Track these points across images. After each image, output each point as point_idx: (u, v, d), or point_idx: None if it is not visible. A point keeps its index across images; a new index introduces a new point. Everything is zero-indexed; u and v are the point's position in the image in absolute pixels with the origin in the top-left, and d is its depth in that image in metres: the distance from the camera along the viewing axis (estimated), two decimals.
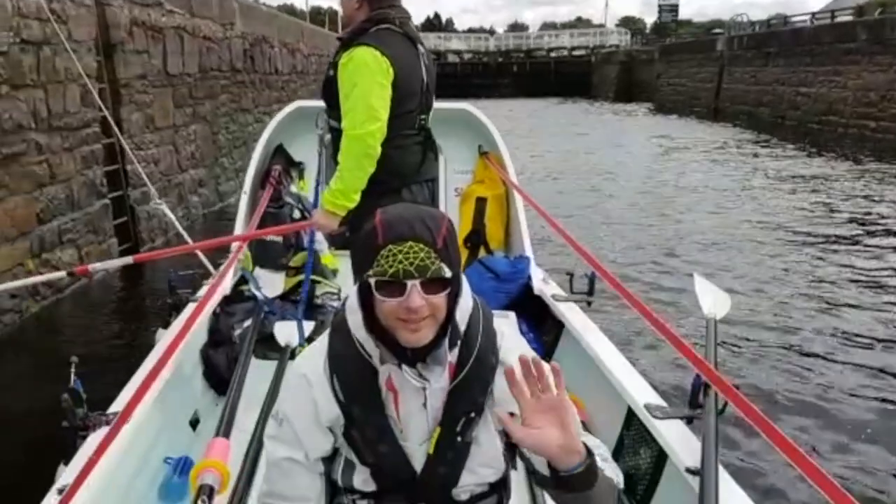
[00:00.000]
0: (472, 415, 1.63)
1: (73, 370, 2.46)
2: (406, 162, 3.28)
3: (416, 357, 1.56)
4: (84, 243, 7.45)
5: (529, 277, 4.47)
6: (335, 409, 1.63)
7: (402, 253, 1.46)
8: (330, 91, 3.23)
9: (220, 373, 3.67)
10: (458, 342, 1.60)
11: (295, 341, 3.80)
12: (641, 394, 2.82)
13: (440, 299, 1.51)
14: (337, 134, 3.21)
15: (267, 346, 3.95)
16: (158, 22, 9.86)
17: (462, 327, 1.60)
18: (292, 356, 3.66)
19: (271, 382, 3.31)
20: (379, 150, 3.07)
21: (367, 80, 3.02)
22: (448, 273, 1.49)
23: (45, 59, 6.87)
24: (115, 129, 7.15)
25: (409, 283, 1.46)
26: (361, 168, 3.08)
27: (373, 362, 1.60)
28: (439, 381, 1.60)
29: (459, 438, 1.63)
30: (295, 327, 3.97)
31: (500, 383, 1.63)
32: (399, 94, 3.12)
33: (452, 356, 1.60)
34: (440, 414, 1.62)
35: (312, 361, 1.68)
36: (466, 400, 1.62)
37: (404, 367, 1.56)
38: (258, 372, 3.52)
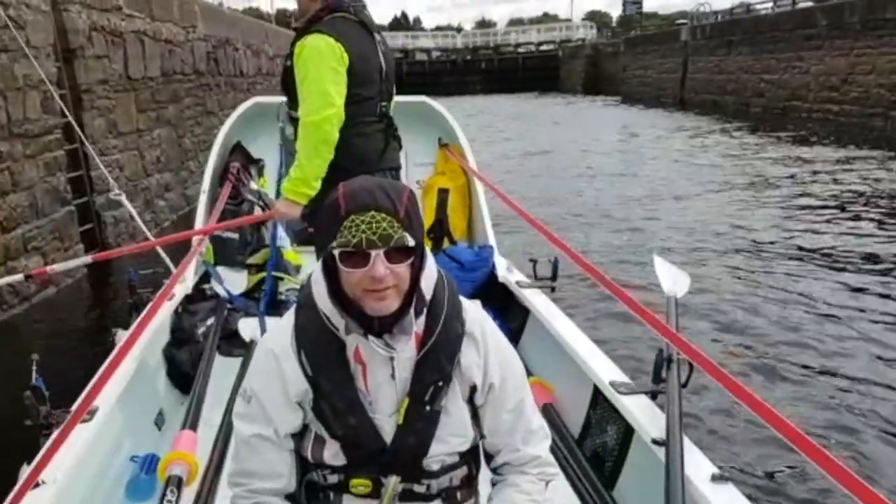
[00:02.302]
0: (440, 384, 1.64)
1: (34, 368, 2.43)
2: (368, 149, 3.28)
3: (382, 327, 1.57)
4: (50, 250, 7.36)
5: (494, 266, 4.51)
6: (303, 383, 1.62)
7: (365, 223, 1.46)
8: (288, 82, 3.23)
9: (184, 371, 3.65)
10: (424, 311, 1.61)
11: (259, 337, 3.78)
12: (606, 372, 2.86)
13: (404, 268, 1.52)
14: (297, 124, 3.20)
15: (231, 342, 3.95)
16: (118, 26, 9.75)
17: (427, 296, 1.61)
18: None
19: (236, 378, 3.30)
20: (336, 135, 3.07)
21: (321, 66, 3.03)
22: (411, 242, 1.50)
23: (4, 65, 6.78)
24: (80, 134, 7.07)
25: (373, 252, 1.47)
26: (319, 154, 3.08)
27: (339, 334, 1.60)
28: (406, 351, 1.61)
29: (428, 408, 1.64)
30: (258, 323, 3.96)
31: (466, 352, 1.67)
32: (356, 81, 3.12)
33: (419, 326, 1.61)
34: (409, 384, 1.63)
35: (279, 336, 1.68)
36: (434, 369, 1.63)
37: (371, 337, 1.57)
38: (223, 368, 3.52)
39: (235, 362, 3.58)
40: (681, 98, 32.54)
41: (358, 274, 1.49)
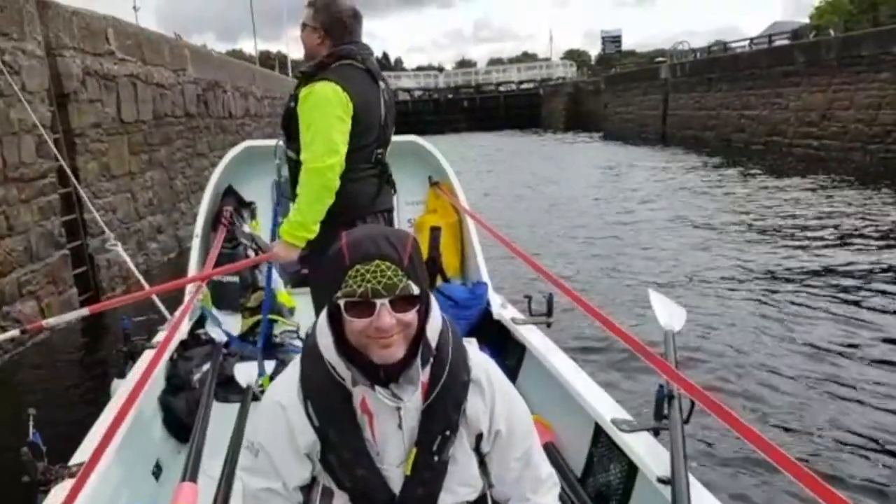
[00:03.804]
0: (448, 433, 1.63)
1: (31, 423, 2.39)
2: (361, 193, 3.31)
3: (388, 377, 1.56)
4: (44, 294, 7.34)
5: (488, 303, 4.50)
6: (311, 435, 1.62)
7: (370, 272, 1.47)
8: (289, 122, 3.27)
9: (180, 419, 3.60)
10: (430, 360, 1.60)
11: (256, 383, 3.76)
12: (607, 409, 2.82)
13: (410, 317, 1.52)
14: (295, 165, 3.24)
15: (228, 388, 3.91)
16: (111, 70, 9.84)
17: (433, 344, 1.60)
18: (254, 397, 3.63)
19: (235, 425, 3.26)
20: (337, 182, 3.10)
21: (328, 114, 3.06)
22: (416, 290, 1.50)
23: None
24: (73, 178, 7.09)
25: (378, 302, 1.47)
26: (320, 200, 3.11)
27: (346, 385, 1.59)
28: (413, 401, 1.59)
29: (436, 458, 1.63)
30: (255, 368, 3.92)
31: (472, 400, 1.66)
32: (357, 129, 3.16)
33: (424, 375, 1.60)
34: (416, 434, 1.62)
35: (285, 388, 1.66)
36: (441, 419, 1.62)
37: (377, 387, 1.55)
38: (221, 415, 3.46)
39: (233, 408, 3.54)
40: (663, 134, 32.95)
41: (363, 323, 1.49)
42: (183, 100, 13.12)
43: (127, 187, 10.16)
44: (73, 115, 8.64)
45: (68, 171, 6.96)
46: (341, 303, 1.50)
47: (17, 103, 6.91)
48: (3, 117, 6.89)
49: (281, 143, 3.48)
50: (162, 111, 11.85)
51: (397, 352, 1.52)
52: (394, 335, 1.50)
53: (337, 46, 3.24)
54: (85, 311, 3.83)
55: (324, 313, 1.61)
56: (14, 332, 3.81)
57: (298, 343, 4.59)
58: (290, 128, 3.28)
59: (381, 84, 3.35)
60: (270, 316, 4.54)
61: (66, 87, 8.50)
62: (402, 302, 1.49)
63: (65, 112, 8.49)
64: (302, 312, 4.96)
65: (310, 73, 3.21)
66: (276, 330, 4.64)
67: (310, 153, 3.09)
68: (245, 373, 3.89)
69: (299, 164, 3.15)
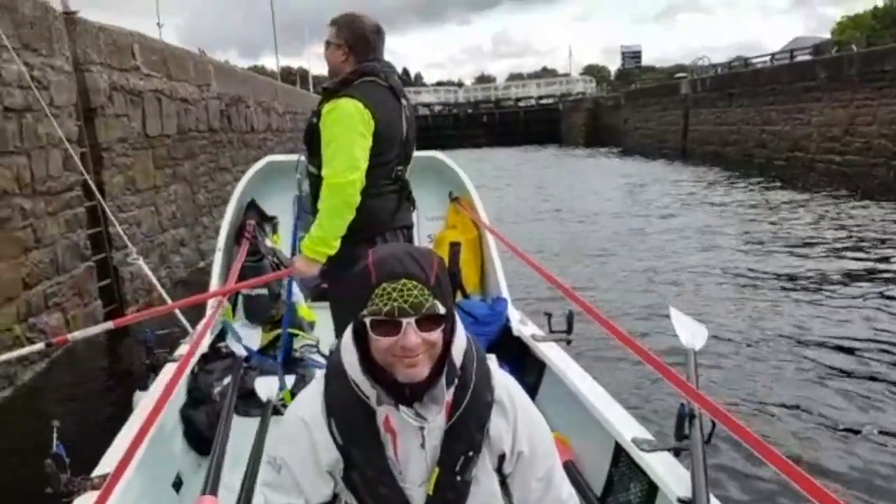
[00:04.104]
0: (471, 453, 1.63)
1: (55, 435, 2.41)
2: (382, 209, 3.33)
3: (413, 396, 1.56)
4: (70, 306, 7.42)
5: (508, 319, 4.47)
6: (334, 452, 1.62)
7: (396, 290, 1.47)
8: (311, 138, 3.31)
9: (201, 432, 3.62)
10: (455, 380, 1.60)
11: (276, 397, 3.78)
12: (628, 428, 2.80)
13: (435, 336, 1.52)
14: (316, 180, 3.28)
15: (248, 402, 3.93)
16: (137, 86, 9.98)
17: (458, 364, 1.60)
18: (275, 411, 3.65)
19: (255, 438, 3.28)
20: (358, 198, 3.13)
21: (350, 130, 3.10)
22: (442, 309, 1.51)
23: (28, 125, 6.94)
24: (97, 192, 7.18)
25: (405, 320, 1.47)
26: (341, 216, 3.13)
27: (370, 403, 1.59)
28: (436, 421, 1.59)
29: (459, 478, 1.63)
30: (275, 382, 3.95)
31: (496, 421, 1.66)
32: (379, 146, 3.19)
33: (448, 394, 1.59)
34: (438, 454, 1.62)
35: (309, 404, 1.66)
36: (464, 439, 1.62)
37: (402, 406, 1.56)
38: (241, 429, 3.48)
39: (253, 422, 3.55)
40: (683, 149, 32.85)
41: (389, 342, 1.49)
42: (207, 115, 13.28)
43: (151, 201, 10.28)
44: (99, 129, 8.77)
45: (93, 185, 7.04)
46: (367, 321, 1.51)
47: (44, 118, 7.01)
48: (32, 132, 7.00)
49: (303, 158, 3.53)
50: (186, 126, 11.99)
51: (422, 371, 1.53)
52: (419, 354, 1.50)
53: (361, 63, 3.28)
54: (110, 325, 3.87)
55: (348, 330, 1.62)
56: (40, 346, 3.85)
57: (318, 357, 4.61)
58: (312, 143, 3.32)
59: (403, 101, 3.39)
60: (290, 330, 4.57)
61: (93, 101, 8.63)
62: (427, 321, 1.50)
63: (92, 126, 8.62)
64: (322, 327, 4.97)
65: (333, 89, 3.25)
66: (296, 344, 4.66)
67: (331, 169, 3.13)
68: (266, 387, 3.91)
69: (321, 179, 3.18)
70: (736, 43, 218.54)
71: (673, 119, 34.77)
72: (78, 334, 3.85)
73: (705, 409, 2.34)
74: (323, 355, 4.63)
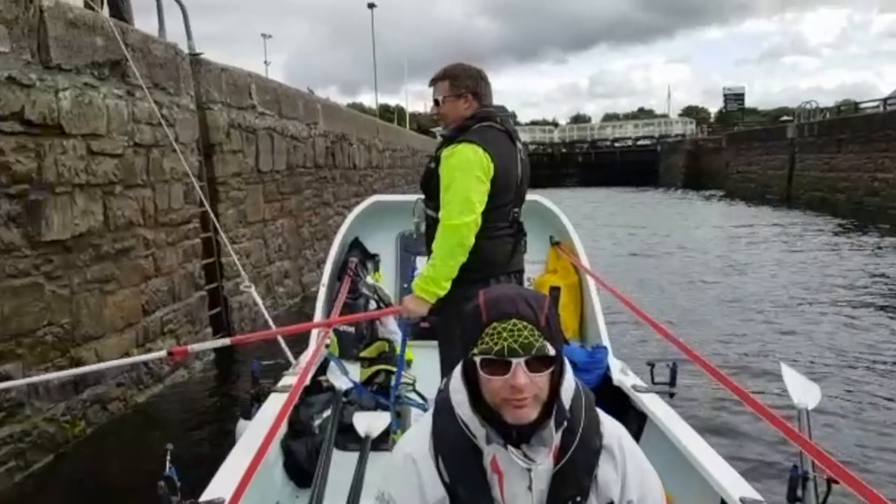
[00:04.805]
0: (578, 499, 1.61)
1: (168, 458, 2.48)
2: (498, 253, 3.36)
3: (521, 437, 1.56)
4: (183, 333, 7.74)
5: (608, 368, 4.40)
6: (441, 490, 1.62)
7: (507, 330, 1.48)
8: (429, 183, 3.39)
9: (300, 464, 3.70)
10: (564, 423, 1.59)
11: (374, 433, 3.80)
12: (734, 486, 2.69)
13: (544, 378, 1.53)
14: (433, 222, 3.34)
15: (347, 436, 3.97)
16: (252, 123, 10.43)
17: (566, 407, 1.60)
18: (373, 447, 3.67)
19: (354, 473, 3.30)
20: (472, 240, 3.17)
21: (467, 175, 3.16)
22: (552, 351, 1.51)
23: (155, 160, 7.33)
24: (216, 223, 7.50)
25: (515, 360, 1.48)
26: (454, 257, 3.18)
27: (478, 442, 1.59)
28: (544, 463, 1.58)
29: None
30: (374, 418, 3.98)
31: (604, 468, 1.64)
32: (496, 189, 3.24)
33: (556, 438, 1.59)
34: (545, 497, 1.61)
35: (417, 441, 1.68)
36: (572, 483, 1.61)
37: (510, 447, 1.55)
38: (339, 463, 3.51)
39: (350, 456, 3.56)
40: (788, 195, 31.86)
41: (499, 382, 1.49)
42: (313, 151, 13.71)
43: (260, 233, 10.65)
44: (217, 164, 9.19)
45: (213, 216, 7.35)
46: (477, 359, 1.52)
47: (170, 153, 7.40)
48: (158, 166, 7.39)
49: (420, 201, 3.61)
50: (294, 162, 12.41)
51: (531, 413, 1.53)
52: (528, 397, 1.50)
53: (480, 108, 3.35)
54: (227, 341, 4.07)
55: (458, 369, 1.64)
56: (161, 353, 4.11)
57: (415, 396, 4.65)
58: (429, 187, 3.40)
59: (518, 144, 3.44)
60: (389, 367, 4.66)
61: (212, 138, 9.06)
62: (537, 362, 1.50)
63: (210, 162, 9.04)
64: (418, 365, 5.02)
65: (451, 136, 3.32)
66: (393, 382, 4.72)
67: (447, 211, 3.19)
68: (364, 422, 3.94)
69: (437, 221, 3.24)
70: (842, 86, 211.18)
71: (778, 163, 33.83)
72: (197, 346, 4.07)
73: (823, 463, 2.18)
74: (419, 394, 4.68)
